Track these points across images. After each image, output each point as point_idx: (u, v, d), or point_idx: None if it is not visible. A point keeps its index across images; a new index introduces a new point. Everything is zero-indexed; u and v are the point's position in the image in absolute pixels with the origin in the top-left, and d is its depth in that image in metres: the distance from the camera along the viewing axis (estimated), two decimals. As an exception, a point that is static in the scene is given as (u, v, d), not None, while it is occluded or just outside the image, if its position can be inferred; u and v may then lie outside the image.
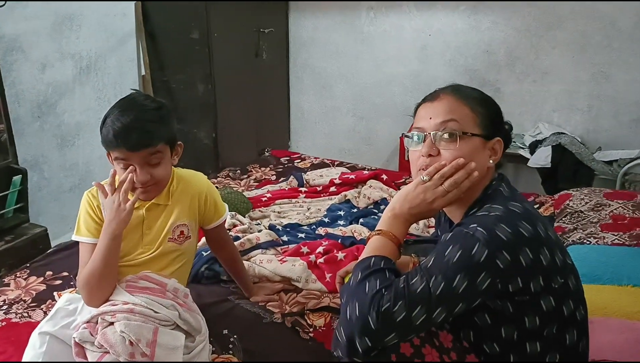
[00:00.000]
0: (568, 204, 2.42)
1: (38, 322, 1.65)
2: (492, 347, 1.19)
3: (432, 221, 2.49)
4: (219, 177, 3.18)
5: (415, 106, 1.35)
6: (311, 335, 1.73)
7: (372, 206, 2.67)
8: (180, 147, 1.64)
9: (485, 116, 1.26)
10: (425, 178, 1.24)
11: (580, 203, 2.40)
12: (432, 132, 1.26)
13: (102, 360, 1.43)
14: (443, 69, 3.89)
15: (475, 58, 3.78)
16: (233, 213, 2.44)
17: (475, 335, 1.21)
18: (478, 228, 1.12)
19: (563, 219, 2.34)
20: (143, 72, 3.79)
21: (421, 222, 2.42)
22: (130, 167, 1.52)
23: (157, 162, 1.54)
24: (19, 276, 2.05)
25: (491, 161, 1.27)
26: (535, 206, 2.54)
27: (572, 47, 3.47)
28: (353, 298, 1.11)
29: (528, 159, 3.38)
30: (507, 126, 1.34)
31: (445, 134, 1.24)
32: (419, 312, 1.08)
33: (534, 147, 3.41)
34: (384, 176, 2.94)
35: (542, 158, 3.31)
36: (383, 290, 1.10)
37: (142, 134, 1.49)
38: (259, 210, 2.65)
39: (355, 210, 2.63)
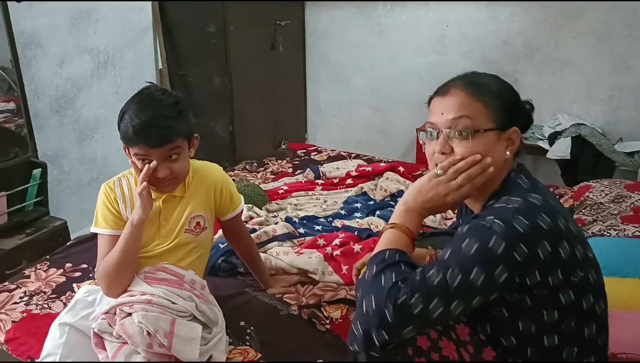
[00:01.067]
0: (588, 196, 2.39)
1: (58, 313, 1.67)
2: (510, 340, 1.18)
3: (450, 213, 2.47)
4: (235, 170, 3.19)
5: (429, 98, 1.33)
6: (328, 327, 1.72)
7: (388, 199, 2.66)
8: (196, 139, 1.65)
9: (498, 108, 1.23)
10: (439, 171, 1.23)
11: (601, 195, 2.36)
12: (444, 130, 1.24)
13: (121, 351, 1.44)
14: (460, 60, 3.85)
15: (493, 49, 3.73)
16: (250, 205, 2.45)
17: (492, 328, 1.20)
18: (495, 221, 1.10)
19: (583, 211, 2.31)
20: (160, 66, 3.81)
21: (438, 214, 2.40)
22: (153, 163, 1.53)
23: (176, 157, 1.55)
24: (39, 269, 2.08)
25: (508, 153, 1.24)
26: (555, 198, 2.50)
27: (592, 37, 3.42)
28: (369, 292, 1.11)
29: (547, 151, 3.34)
30: (528, 106, 1.31)
31: (457, 132, 1.22)
32: (436, 305, 1.07)
33: (553, 138, 3.37)
34: (401, 168, 2.92)
35: (562, 149, 3.27)
36: (399, 282, 1.09)
37: (161, 130, 1.49)
38: (276, 203, 2.65)
39: (371, 202, 2.62)
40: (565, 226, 1.14)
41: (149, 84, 1.63)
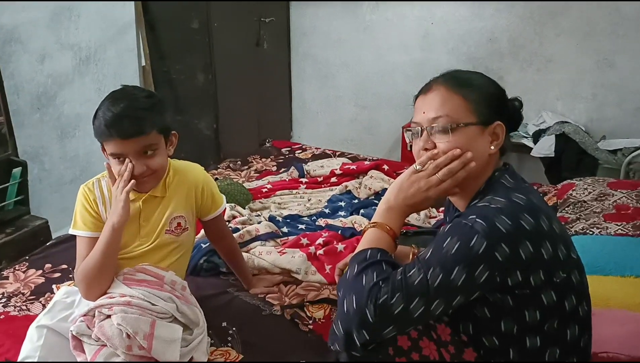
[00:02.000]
0: (571, 194, 2.40)
1: (36, 315, 1.64)
2: (492, 341, 1.18)
3: (434, 211, 2.47)
4: (219, 168, 3.16)
5: (414, 98, 1.33)
6: (310, 327, 1.71)
7: (373, 197, 2.65)
8: (175, 137, 1.63)
9: (480, 102, 1.23)
10: (418, 167, 1.23)
11: (584, 193, 2.37)
12: (426, 127, 1.25)
13: (100, 353, 1.42)
14: (446, 57, 3.86)
15: (478, 46, 3.74)
16: (232, 204, 2.43)
17: (474, 328, 1.20)
18: (477, 220, 1.10)
19: (566, 209, 2.31)
20: (143, 63, 3.77)
21: (422, 213, 2.40)
22: (127, 161, 1.50)
23: (152, 153, 1.53)
24: (18, 269, 2.05)
25: (492, 147, 1.24)
26: (538, 196, 2.51)
27: (576, 35, 3.44)
28: (350, 292, 1.10)
29: (531, 149, 3.35)
30: (517, 103, 1.31)
31: (438, 128, 1.23)
32: (417, 304, 1.06)
33: (537, 136, 3.39)
34: (386, 167, 2.92)
35: (546, 147, 3.29)
36: (380, 282, 1.08)
37: (134, 121, 1.47)
38: (259, 201, 2.63)
39: (356, 201, 2.61)
40: (548, 227, 1.14)
41: (123, 85, 1.60)
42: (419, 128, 1.27)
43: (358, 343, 1.08)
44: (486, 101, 1.23)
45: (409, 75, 4.06)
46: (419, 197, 1.23)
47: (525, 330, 1.16)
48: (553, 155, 3.26)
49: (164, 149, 1.58)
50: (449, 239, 1.11)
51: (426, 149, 1.25)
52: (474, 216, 1.11)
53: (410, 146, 1.33)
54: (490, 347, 1.19)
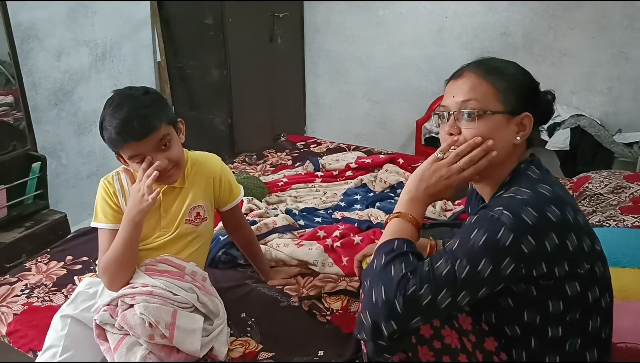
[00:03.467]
0: (587, 187, 2.40)
1: (59, 306, 1.67)
2: (514, 330, 1.19)
3: (449, 204, 2.48)
4: (235, 162, 3.19)
5: (445, 82, 1.33)
6: (328, 318, 1.73)
7: (388, 190, 2.66)
8: (182, 123, 1.65)
9: (509, 91, 1.22)
10: (439, 154, 1.24)
11: (600, 186, 2.37)
12: (453, 111, 1.25)
13: (123, 342, 1.45)
14: (459, 51, 3.84)
15: (492, 40, 3.73)
16: (250, 197, 2.45)
17: (497, 317, 1.20)
18: (504, 212, 1.10)
19: (582, 202, 2.31)
20: (158, 59, 3.80)
21: (438, 205, 2.41)
22: (148, 157, 1.53)
23: (167, 145, 1.55)
24: (40, 261, 2.08)
25: (518, 138, 1.23)
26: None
27: (591, 28, 3.41)
28: (378, 282, 1.10)
29: (546, 142, 3.34)
30: (550, 96, 1.30)
31: (465, 114, 1.23)
32: (444, 296, 1.07)
33: (552, 129, 3.37)
34: (401, 160, 2.92)
35: (561, 140, 3.28)
36: (409, 274, 1.09)
37: (142, 121, 1.49)
38: (275, 195, 2.65)
39: (371, 194, 2.63)
40: (573, 218, 1.14)
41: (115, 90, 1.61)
42: (446, 112, 1.27)
43: (386, 333, 1.08)
44: (516, 91, 1.23)
45: (422, 70, 4.05)
46: (441, 185, 1.23)
47: (547, 320, 1.17)
48: (568, 148, 3.25)
49: (177, 138, 1.60)
50: (475, 231, 1.11)
51: (451, 134, 1.26)
52: (501, 208, 1.11)
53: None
54: (512, 337, 1.19)
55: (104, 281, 1.58)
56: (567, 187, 2.54)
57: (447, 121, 1.27)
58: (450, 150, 1.24)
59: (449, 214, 2.41)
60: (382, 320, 1.07)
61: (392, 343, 1.11)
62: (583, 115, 3.37)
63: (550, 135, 3.35)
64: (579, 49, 3.48)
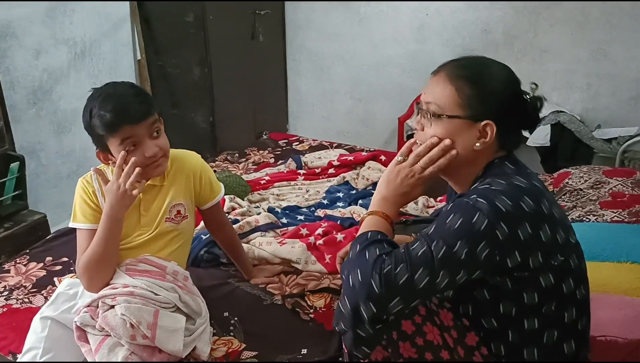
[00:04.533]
0: (567, 183, 2.42)
1: (39, 308, 1.65)
2: (491, 323, 1.20)
3: (432, 201, 2.49)
4: (217, 161, 3.17)
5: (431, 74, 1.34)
6: (311, 316, 1.73)
7: (370, 187, 2.66)
8: (161, 123, 1.63)
9: (473, 97, 1.22)
10: (399, 158, 1.29)
11: (580, 181, 2.39)
12: (420, 108, 1.29)
13: (104, 343, 1.43)
14: (441, 49, 3.86)
15: (473, 37, 3.75)
16: (232, 196, 2.44)
17: (474, 310, 1.21)
18: (479, 199, 1.12)
19: (562, 197, 2.33)
20: (139, 57, 3.76)
21: (420, 202, 2.42)
22: (122, 153, 1.51)
23: (158, 132, 1.56)
24: (19, 263, 2.06)
25: (478, 145, 1.23)
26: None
27: (570, 25, 3.44)
28: (354, 267, 1.12)
29: (527, 138, 3.36)
30: (539, 103, 1.30)
31: (425, 114, 1.26)
32: (421, 275, 1.08)
33: (532, 126, 3.39)
34: (383, 157, 2.93)
35: (541, 136, 3.30)
36: (384, 255, 1.11)
37: (139, 104, 1.51)
38: (258, 193, 2.64)
39: (354, 191, 2.63)
40: (548, 210, 1.16)
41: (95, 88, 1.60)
42: (417, 108, 1.31)
43: (366, 317, 1.09)
44: (481, 98, 1.22)
45: (404, 67, 4.06)
46: (407, 186, 1.27)
47: (523, 312, 1.18)
48: (549, 144, 3.28)
49: (163, 130, 1.61)
50: (451, 216, 1.13)
51: (417, 129, 1.30)
52: (476, 196, 1.13)
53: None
54: (489, 329, 1.20)
55: (83, 282, 1.56)
56: (547, 183, 2.56)
57: (417, 116, 1.30)
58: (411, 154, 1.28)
59: (431, 211, 2.42)
60: (361, 302, 1.09)
61: (372, 331, 1.12)
62: (563, 111, 3.40)
63: (530, 131, 3.37)
64: (558, 46, 3.51)
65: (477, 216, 1.10)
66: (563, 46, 3.50)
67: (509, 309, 1.18)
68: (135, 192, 1.49)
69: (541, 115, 3.55)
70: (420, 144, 1.27)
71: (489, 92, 1.24)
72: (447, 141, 1.23)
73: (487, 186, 1.17)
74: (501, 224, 1.09)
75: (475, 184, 1.24)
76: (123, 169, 1.50)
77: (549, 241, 1.14)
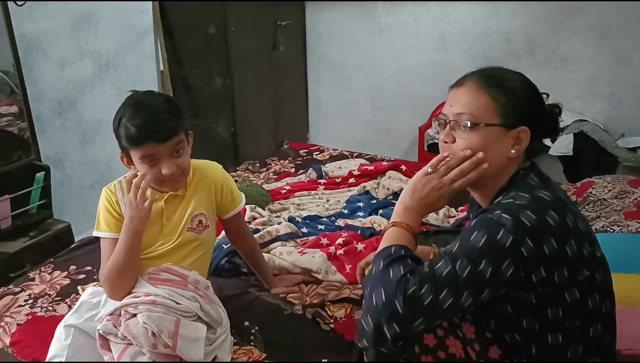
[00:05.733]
0: (591, 192, 2.39)
1: (63, 316, 1.67)
2: (514, 337, 1.18)
3: (453, 211, 2.47)
4: (238, 171, 3.19)
5: (449, 87, 1.33)
6: (332, 326, 1.73)
7: (391, 197, 2.66)
8: (191, 136, 1.66)
9: (507, 104, 1.22)
10: (429, 169, 1.26)
11: (604, 191, 2.36)
12: (449, 121, 1.26)
13: (126, 352, 1.45)
14: (461, 58, 3.85)
15: (494, 46, 3.73)
16: (253, 205, 2.45)
17: (496, 324, 1.20)
18: (503, 215, 1.10)
19: (586, 207, 2.30)
20: (161, 68, 3.81)
21: (441, 212, 2.41)
22: (132, 168, 1.54)
23: (180, 151, 1.56)
24: (44, 271, 2.08)
25: (513, 152, 1.23)
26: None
27: (593, 33, 3.42)
28: (378, 285, 1.10)
29: (549, 148, 3.33)
30: (557, 110, 1.30)
31: (459, 124, 1.24)
32: (445, 295, 1.07)
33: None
34: (403, 167, 2.92)
35: (564, 145, 3.27)
36: (408, 274, 1.09)
37: (166, 124, 1.51)
38: (279, 203, 2.65)
39: (374, 201, 2.62)
40: (573, 224, 1.14)
41: (132, 92, 1.62)
42: (444, 120, 1.28)
43: (388, 336, 1.07)
44: (515, 104, 1.23)
45: (425, 76, 4.06)
46: (433, 197, 1.25)
47: (547, 327, 1.17)
48: (571, 154, 3.25)
49: (188, 148, 1.61)
50: (475, 233, 1.11)
51: (446, 142, 1.27)
52: (500, 211, 1.12)
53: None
54: (512, 343, 1.19)
55: (106, 290, 1.58)
56: (570, 193, 2.53)
57: (444, 129, 1.28)
58: (440, 163, 1.26)
59: (452, 221, 2.40)
60: (384, 322, 1.07)
61: (394, 349, 1.10)
62: (586, 120, 3.37)
63: (553, 140, 3.34)
64: (581, 55, 3.48)
65: (501, 232, 1.08)
66: (585, 54, 3.47)
67: (532, 324, 1.17)
68: (146, 204, 1.51)
69: (563, 124, 3.52)
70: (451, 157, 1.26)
71: (521, 98, 1.24)
72: (480, 154, 1.21)
73: (511, 200, 1.16)
74: (526, 240, 1.08)
75: (499, 198, 1.23)
76: (130, 184, 1.53)
77: (574, 255, 1.12)
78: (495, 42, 3.73)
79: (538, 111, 1.26)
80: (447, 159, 1.25)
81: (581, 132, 3.25)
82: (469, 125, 1.22)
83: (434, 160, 1.27)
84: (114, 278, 1.54)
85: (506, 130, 1.22)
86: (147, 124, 1.49)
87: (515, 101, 1.23)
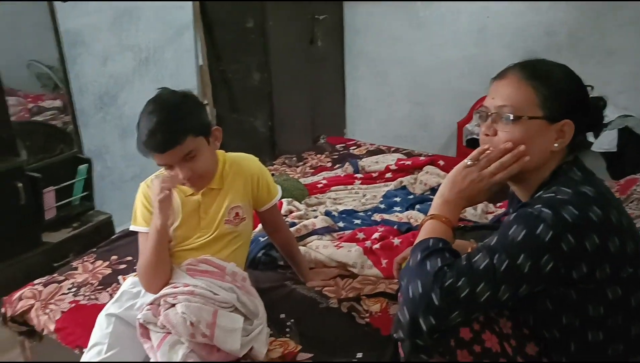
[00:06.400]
0: (635, 190, 2.32)
1: (104, 304, 1.71)
2: (552, 334, 1.17)
3: (491, 206, 2.44)
4: (275, 164, 3.21)
5: (490, 80, 1.31)
6: (367, 320, 1.73)
7: (428, 193, 2.64)
8: (218, 131, 1.66)
9: (551, 97, 1.20)
10: (469, 162, 1.23)
11: (649, 188, 2.30)
12: (491, 113, 1.24)
13: (165, 340, 1.47)
14: (501, 52, 3.79)
15: (536, 40, 3.66)
16: (289, 199, 2.46)
17: (535, 320, 1.18)
18: (544, 209, 1.08)
19: (630, 204, 2.24)
20: (200, 63, 3.85)
21: (479, 208, 2.38)
22: (171, 167, 1.57)
23: (193, 156, 1.56)
24: (86, 261, 2.14)
25: (556, 145, 1.21)
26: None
27: (638, 26, 3.32)
28: (415, 278, 1.10)
29: (592, 143, 3.25)
30: (602, 103, 1.28)
31: (501, 117, 1.22)
32: (483, 288, 1.06)
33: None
34: (441, 162, 2.90)
35: (607, 141, 3.19)
36: (445, 267, 1.08)
37: (165, 135, 1.50)
38: (315, 197, 2.66)
39: (411, 196, 2.61)
40: (617, 220, 1.11)
41: (160, 89, 1.63)
42: (485, 113, 1.27)
43: (424, 328, 1.07)
44: (559, 97, 1.20)
45: (464, 71, 4.01)
46: (473, 190, 1.23)
47: (587, 324, 1.14)
48: (615, 150, 3.17)
49: (206, 148, 1.60)
50: (514, 227, 1.09)
51: (487, 135, 1.25)
52: (540, 206, 1.10)
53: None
54: (550, 339, 1.17)
55: (142, 284, 1.62)
56: (613, 190, 2.47)
57: (486, 121, 1.26)
58: (480, 157, 1.23)
59: (490, 216, 2.37)
60: (421, 314, 1.06)
61: (430, 341, 1.10)
62: (631, 115, 3.27)
63: (596, 136, 3.27)
64: (626, 48, 3.39)
65: (541, 227, 1.06)
66: (631, 47, 3.37)
67: (572, 320, 1.15)
68: (160, 197, 1.51)
69: (607, 119, 3.44)
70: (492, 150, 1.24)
71: (565, 91, 1.22)
72: (522, 147, 1.19)
73: (553, 194, 1.13)
74: (567, 235, 1.06)
75: (540, 192, 1.21)
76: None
77: (617, 252, 1.09)
78: (536, 35, 3.65)
79: (582, 103, 1.23)
80: (488, 151, 1.23)
81: (626, 128, 3.17)
82: (511, 118, 1.20)
83: (475, 152, 1.24)
84: (147, 273, 1.58)
85: (549, 123, 1.20)
86: (149, 136, 1.50)
87: (559, 93, 1.21)
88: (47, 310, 1.84)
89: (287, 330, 1.69)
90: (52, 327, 1.78)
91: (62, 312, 1.81)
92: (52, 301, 1.88)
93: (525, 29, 3.69)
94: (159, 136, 1.50)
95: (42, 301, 1.88)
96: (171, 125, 1.52)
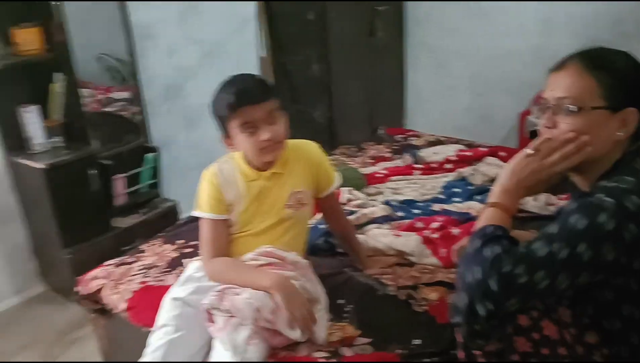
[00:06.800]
0: None
1: (170, 286, 1.78)
2: (612, 324, 1.15)
3: (554, 199, 2.40)
4: (334, 155, 3.23)
5: (549, 70, 1.31)
6: (425, 308, 1.74)
7: (489, 184, 2.61)
8: (285, 117, 1.71)
9: (614, 86, 1.18)
10: (530, 151, 1.23)
11: None
12: (551, 105, 1.23)
13: (229, 323, 1.52)
14: (567, 41, 3.68)
15: (603, 29, 3.54)
16: (349, 188, 2.49)
17: (594, 310, 1.17)
18: (606, 198, 1.07)
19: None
20: (262, 54, 3.91)
21: (542, 199, 2.34)
22: (254, 129, 1.62)
23: (276, 119, 1.64)
24: (154, 244, 2.23)
25: (620, 134, 1.19)
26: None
27: None
28: (472, 264, 1.11)
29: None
30: None
31: (562, 109, 1.21)
32: (541, 276, 1.05)
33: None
34: (502, 153, 2.86)
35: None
36: (503, 254, 1.09)
37: (260, 87, 1.63)
38: (374, 186, 2.67)
39: (470, 187, 2.59)
40: None
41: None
42: (545, 105, 1.26)
43: (481, 314, 1.07)
44: (621, 86, 1.18)
45: (527, 61, 3.92)
46: (533, 179, 1.22)
47: None
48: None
49: (283, 120, 1.67)
50: (575, 215, 1.09)
51: (548, 127, 1.24)
52: (602, 195, 1.09)
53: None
54: (610, 330, 1.16)
55: (212, 279, 1.68)
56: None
57: (546, 113, 1.25)
58: (542, 147, 1.23)
59: (552, 208, 2.33)
60: (477, 300, 1.07)
61: (487, 327, 1.10)
62: None
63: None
64: (700, 36, 3.24)
65: (603, 216, 1.05)
66: None
67: (632, 311, 1.13)
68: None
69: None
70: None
71: (627, 79, 1.20)
72: (584, 138, 1.18)
73: (615, 184, 1.12)
74: (629, 224, 1.04)
75: (602, 182, 1.19)
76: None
77: None
78: (603, 24, 3.53)
79: None
80: (550, 141, 1.22)
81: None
82: (573, 109, 1.19)
83: (537, 142, 1.24)
84: (222, 281, 1.64)
85: (612, 113, 1.18)
86: (242, 89, 1.60)
87: (622, 81, 1.19)
88: (118, 290, 1.93)
89: (345, 315, 1.72)
90: (122, 306, 1.87)
91: (133, 292, 1.90)
92: (122, 281, 1.97)
93: (591, 18, 3.58)
94: (255, 88, 1.62)
95: (113, 282, 1.98)
96: (262, 81, 1.67)
